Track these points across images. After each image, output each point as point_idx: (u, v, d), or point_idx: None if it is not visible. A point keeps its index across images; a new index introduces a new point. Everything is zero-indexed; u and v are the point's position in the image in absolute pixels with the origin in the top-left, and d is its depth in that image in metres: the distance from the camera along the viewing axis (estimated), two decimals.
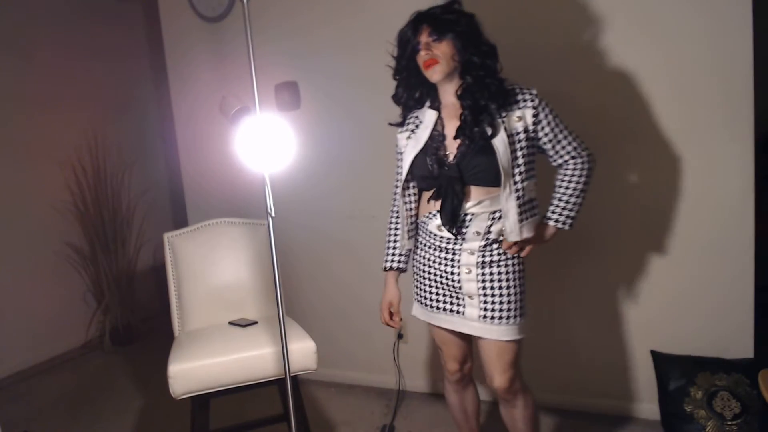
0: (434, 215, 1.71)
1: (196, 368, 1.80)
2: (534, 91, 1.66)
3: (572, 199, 1.71)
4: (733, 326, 2.22)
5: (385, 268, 1.87)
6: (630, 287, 2.36)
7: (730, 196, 2.16)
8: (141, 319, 3.90)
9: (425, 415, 2.61)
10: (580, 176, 1.70)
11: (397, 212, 1.84)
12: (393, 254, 1.86)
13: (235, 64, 2.89)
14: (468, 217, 1.66)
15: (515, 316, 1.69)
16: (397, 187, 1.81)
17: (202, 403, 1.90)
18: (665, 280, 2.30)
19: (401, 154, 1.78)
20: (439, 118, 1.71)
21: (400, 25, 1.69)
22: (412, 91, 1.75)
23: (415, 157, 1.70)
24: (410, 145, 1.73)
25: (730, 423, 2.09)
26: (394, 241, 1.86)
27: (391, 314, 1.89)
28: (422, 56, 1.63)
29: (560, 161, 1.72)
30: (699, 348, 2.25)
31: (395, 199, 1.83)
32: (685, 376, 2.19)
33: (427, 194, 1.74)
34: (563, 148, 1.70)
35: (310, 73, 2.74)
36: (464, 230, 1.67)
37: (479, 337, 1.73)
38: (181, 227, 2.30)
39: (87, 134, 3.71)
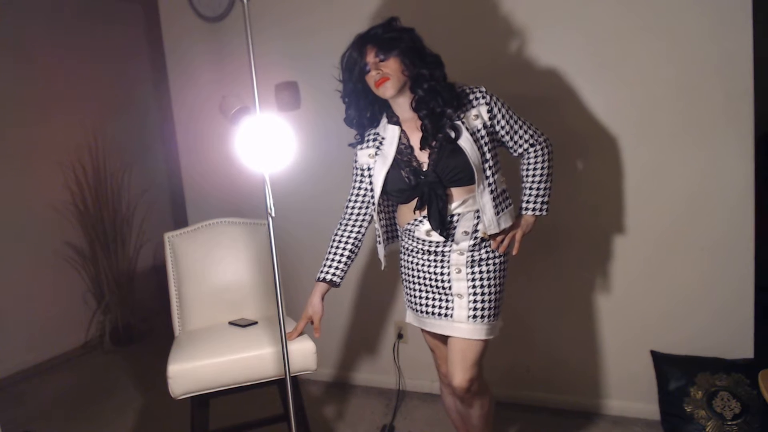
0: (420, 221, 1.72)
1: (195, 368, 1.80)
2: (483, 89, 1.70)
3: (542, 185, 1.78)
4: (733, 326, 2.22)
5: (318, 278, 1.83)
6: (630, 287, 2.36)
7: (730, 196, 2.16)
8: (141, 319, 3.90)
9: (425, 415, 2.61)
10: (543, 162, 1.77)
11: (345, 226, 1.84)
12: (330, 266, 1.83)
13: (235, 64, 2.89)
14: (455, 218, 1.69)
15: (495, 315, 1.74)
16: (351, 201, 1.83)
17: (202, 403, 1.90)
18: (665, 280, 2.30)
19: (365, 170, 1.79)
20: (402, 131, 1.73)
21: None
22: (363, 111, 1.77)
23: (387, 174, 1.71)
24: (378, 162, 1.74)
25: (730, 423, 2.09)
26: (334, 254, 1.83)
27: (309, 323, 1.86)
28: (373, 76, 1.65)
29: (520, 150, 1.77)
30: (699, 348, 2.25)
31: (345, 214, 1.85)
32: (685, 376, 2.19)
33: (405, 205, 1.76)
34: (521, 137, 1.75)
35: (310, 73, 2.74)
36: (453, 231, 1.70)
37: (453, 337, 1.75)
38: (181, 227, 2.30)
39: (87, 134, 3.71)
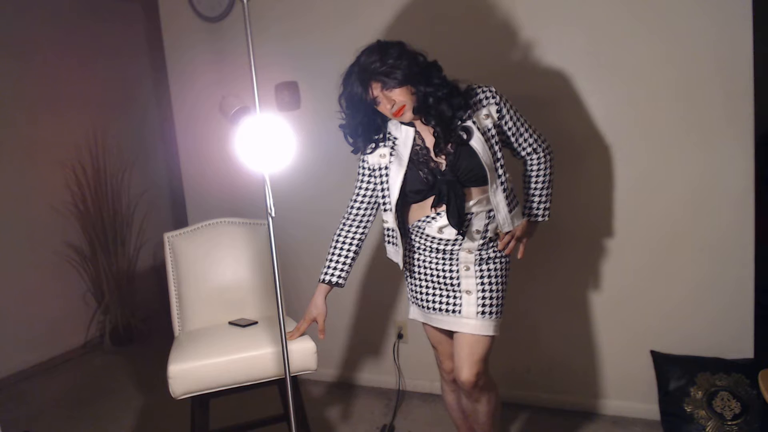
0: (433, 218, 1.72)
1: (196, 368, 1.80)
2: (493, 89, 1.71)
3: (544, 192, 1.84)
4: (733, 326, 2.22)
5: (322, 280, 1.82)
6: (630, 287, 2.36)
7: (731, 195, 2.17)
8: (141, 319, 3.90)
9: (425, 415, 2.61)
10: (545, 170, 1.81)
11: (349, 226, 1.83)
12: (335, 268, 1.82)
13: (235, 64, 2.89)
14: (469, 216, 1.70)
15: (501, 312, 1.77)
16: (356, 201, 1.81)
17: (202, 403, 1.90)
18: (666, 280, 2.30)
19: (375, 171, 1.76)
20: (416, 132, 1.73)
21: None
22: (371, 132, 1.76)
23: (404, 176, 1.70)
24: (394, 164, 1.72)
25: (730, 423, 2.09)
26: (338, 255, 1.83)
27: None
28: (388, 109, 1.64)
29: (523, 153, 1.81)
30: (699, 348, 2.25)
31: (348, 214, 1.83)
32: (685, 376, 2.19)
33: (417, 204, 1.75)
34: (525, 140, 1.78)
35: (310, 73, 2.74)
36: (465, 229, 1.71)
37: (461, 332, 1.77)
38: (181, 227, 2.29)
39: (87, 134, 3.71)
